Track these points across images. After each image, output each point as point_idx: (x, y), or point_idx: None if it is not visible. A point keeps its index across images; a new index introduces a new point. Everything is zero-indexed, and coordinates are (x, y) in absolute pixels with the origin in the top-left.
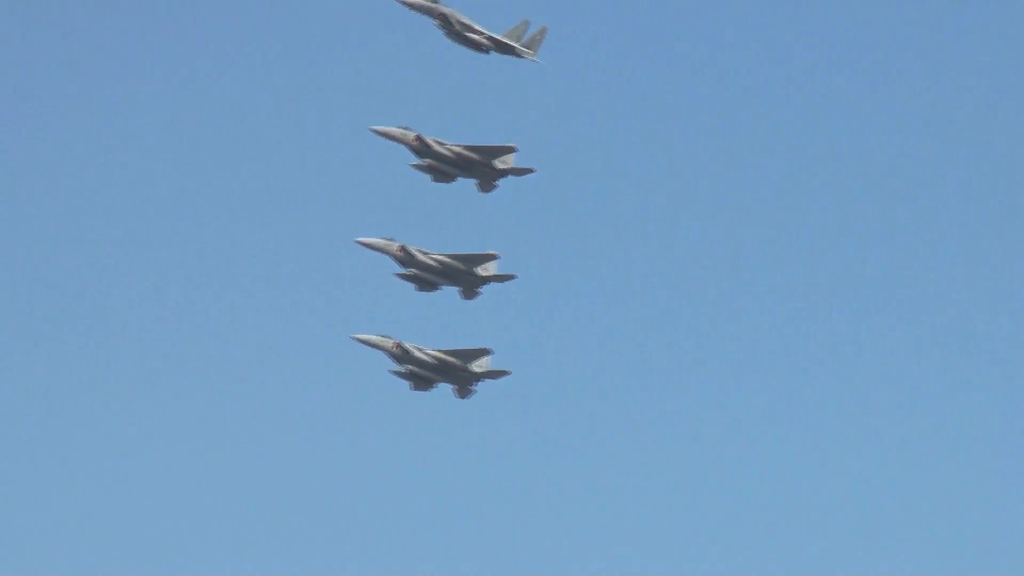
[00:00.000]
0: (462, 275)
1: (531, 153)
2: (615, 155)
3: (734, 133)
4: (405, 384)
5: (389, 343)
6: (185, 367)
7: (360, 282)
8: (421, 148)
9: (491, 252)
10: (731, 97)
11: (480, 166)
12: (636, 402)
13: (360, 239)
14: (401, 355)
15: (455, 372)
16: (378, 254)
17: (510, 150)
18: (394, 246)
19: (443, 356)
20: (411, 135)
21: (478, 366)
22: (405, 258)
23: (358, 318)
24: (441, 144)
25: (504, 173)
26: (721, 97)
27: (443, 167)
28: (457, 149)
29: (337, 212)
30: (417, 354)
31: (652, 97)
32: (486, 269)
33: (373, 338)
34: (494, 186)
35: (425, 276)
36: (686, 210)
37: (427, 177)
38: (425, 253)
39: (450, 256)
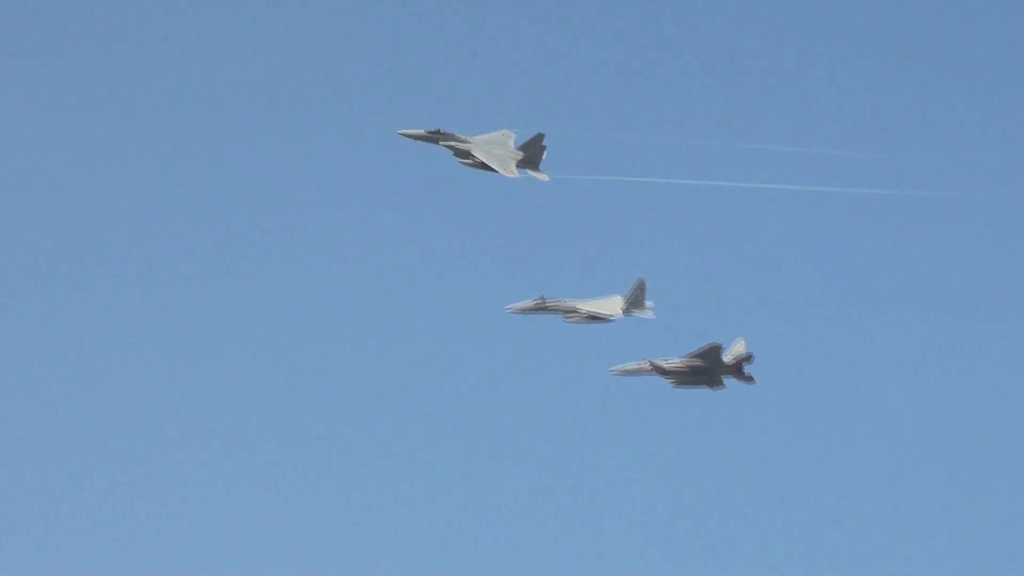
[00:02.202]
0: (712, 371)
1: None
2: None
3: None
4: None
5: (646, 365)
6: None
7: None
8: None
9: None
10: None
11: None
12: None
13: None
14: (658, 371)
15: (712, 370)
16: None
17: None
18: (645, 365)
19: (691, 361)
20: (646, 365)
21: (731, 357)
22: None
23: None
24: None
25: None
26: None
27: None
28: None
29: None
30: (669, 366)
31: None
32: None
33: (630, 366)
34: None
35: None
36: None
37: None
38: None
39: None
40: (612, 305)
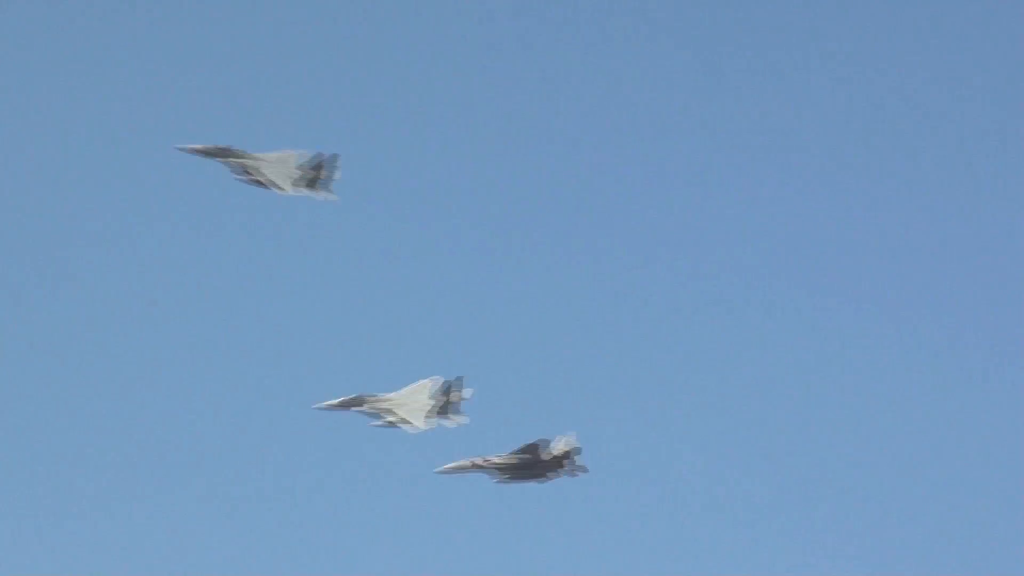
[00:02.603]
0: (537, 464)
1: None
2: None
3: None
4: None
5: (470, 463)
6: None
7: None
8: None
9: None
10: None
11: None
12: None
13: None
14: (484, 467)
15: (537, 464)
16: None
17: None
18: (469, 463)
19: (514, 458)
20: (470, 463)
21: (555, 451)
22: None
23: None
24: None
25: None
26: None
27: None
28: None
29: None
30: (497, 460)
31: None
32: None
33: (453, 465)
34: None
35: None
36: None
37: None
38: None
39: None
40: (420, 402)
